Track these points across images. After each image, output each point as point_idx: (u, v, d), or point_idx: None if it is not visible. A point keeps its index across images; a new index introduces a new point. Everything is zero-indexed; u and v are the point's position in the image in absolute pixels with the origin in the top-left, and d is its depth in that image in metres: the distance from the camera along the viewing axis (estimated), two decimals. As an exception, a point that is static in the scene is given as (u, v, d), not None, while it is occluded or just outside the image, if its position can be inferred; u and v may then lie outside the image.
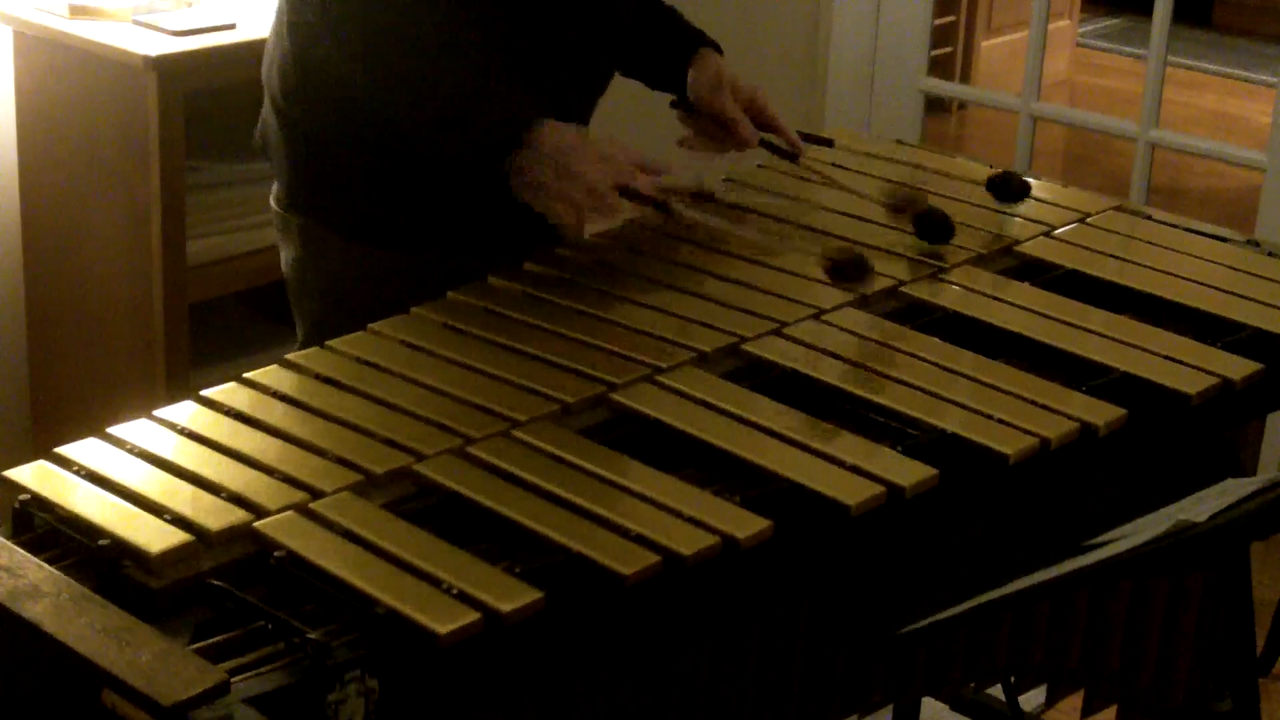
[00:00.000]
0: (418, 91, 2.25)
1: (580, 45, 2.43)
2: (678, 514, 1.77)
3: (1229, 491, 1.82)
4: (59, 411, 3.67)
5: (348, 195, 2.40)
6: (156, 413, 1.92)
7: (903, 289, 2.30)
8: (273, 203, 2.50)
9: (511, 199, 2.30)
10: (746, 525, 1.76)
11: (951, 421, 1.98)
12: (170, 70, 3.29)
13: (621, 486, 1.82)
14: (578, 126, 2.27)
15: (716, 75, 2.53)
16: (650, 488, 1.81)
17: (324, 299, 2.47)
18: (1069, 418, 2.01)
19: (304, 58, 2.36)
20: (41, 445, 2.73)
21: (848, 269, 2.28)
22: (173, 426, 1.90)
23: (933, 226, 2.41)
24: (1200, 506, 1.79)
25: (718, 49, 2.58)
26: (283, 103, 2.43)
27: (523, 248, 2.35)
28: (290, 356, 2.06)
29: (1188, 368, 2.14)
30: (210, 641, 1.58)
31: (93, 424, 1.91)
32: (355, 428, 1.90)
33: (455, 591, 1.61)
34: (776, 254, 2.35)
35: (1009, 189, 2.56)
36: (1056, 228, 2.52)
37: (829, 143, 2.66)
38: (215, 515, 1.72)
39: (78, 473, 1.80)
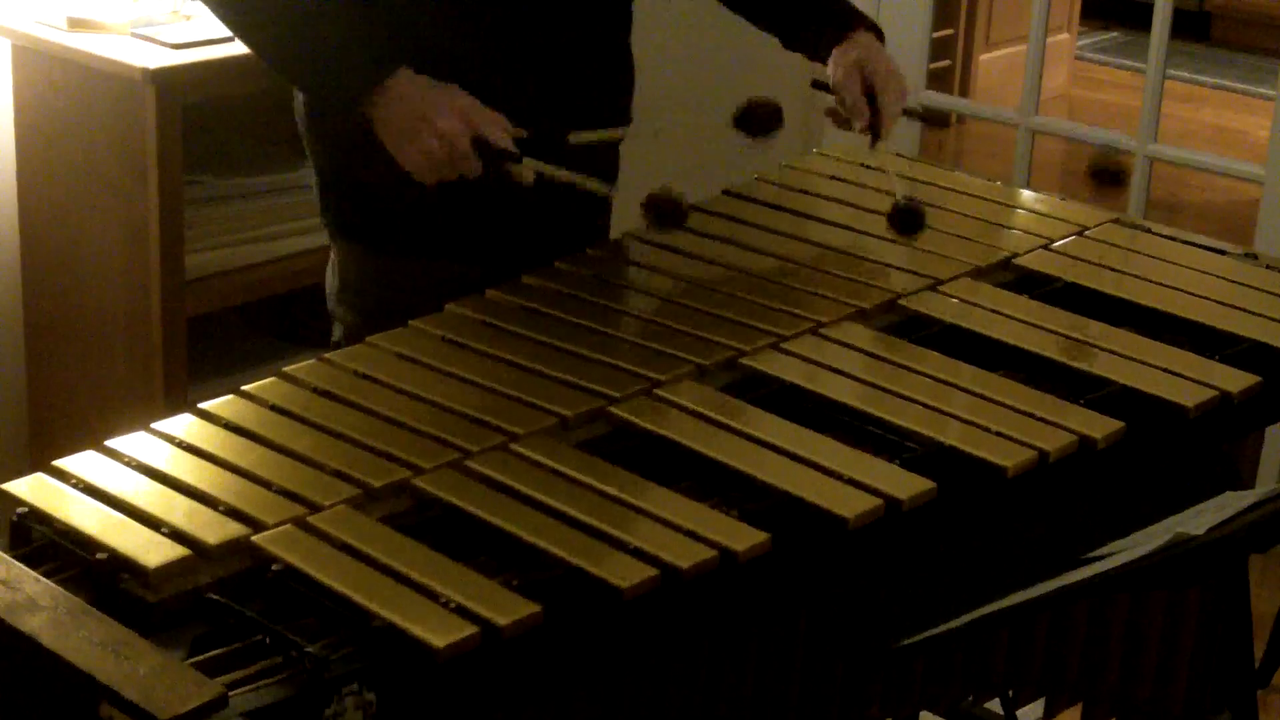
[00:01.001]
0: (280, 19, 2.28)
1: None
2: (676, 527, 1.77)
3: (1227, 504, 1.82)
4: (57, 424, 3.67)
5: (371, 210, 2.42)
6: (154, 425, 1.92)
7: (900, 302, 2.30)
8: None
9: (532, 204, 2.33)
10: (744, 538, 1.76)
11: (950, 434, 1.98)
12: (169, 83, 3.29)
13: (619, 500, 1.81)
14: (434, 80, 2.26)
15: (855, 60, 2.51)
16: (648, 501, 1.81)
17: (357, 308, 2.48)
18: (1067, 430, 2.01)
19: None
20: (39, 458, 2.73)
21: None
22: (170, 439, 1.90)
23: (907, 219, 2.42)
24: (1198, 519, 1.78)
25: (878, 32, 2.57)
26: (304, 130, 2.49)
27: (551, 252, 2.38)
28: (288, 369, 2.06)
29: (1186, 380, 2.14)
30: (208, 655, 1.57)
31: (90, 437, 1.91)
32: (353, 441, 1.90)
33: (453, 605, 1.61)
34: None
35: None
36: (1054, 241, 2.52)
37: (944, 123, 2.63)
38: (213, 529, 1.72)
39: (75, 485, 1.80)
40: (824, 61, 2.56)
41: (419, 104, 2.23)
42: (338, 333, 2.52)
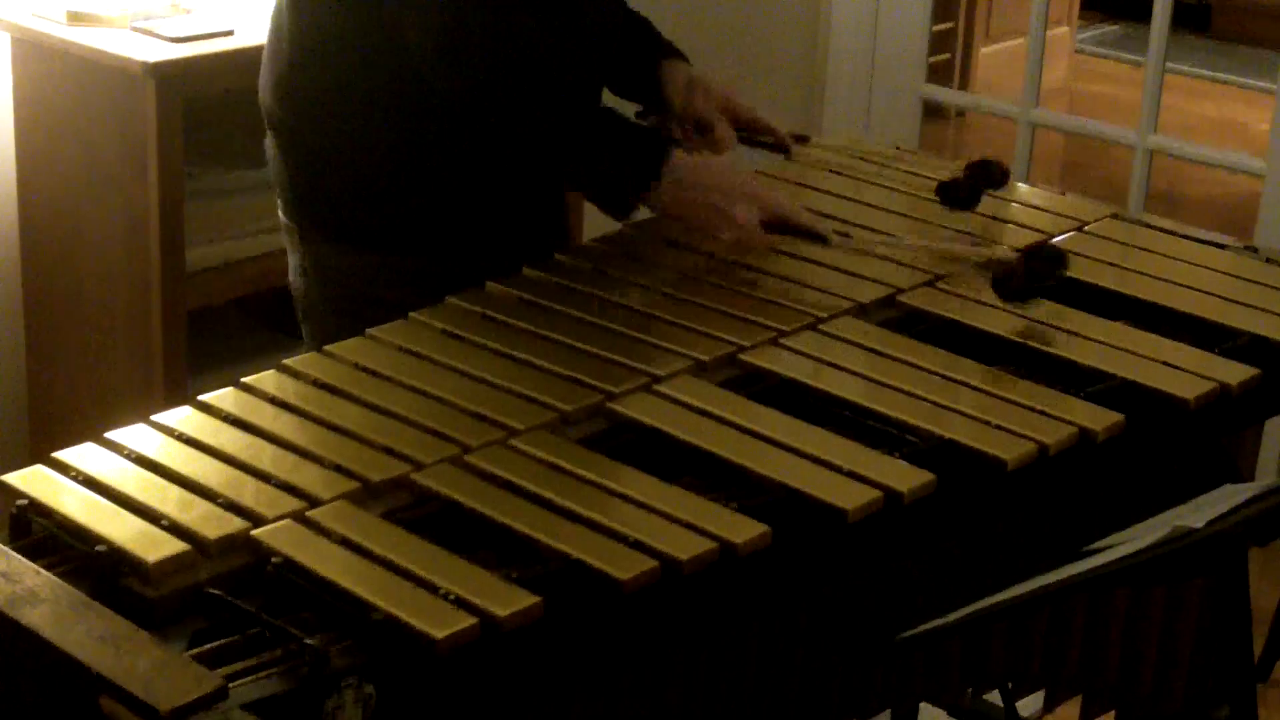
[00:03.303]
0: (550, 119, 2.28)
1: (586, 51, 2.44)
2: (675, 520, 1.77)
3: (1227, 497, 1.82)
4: (57, 416, 3.67)
5: (350, 203, 2.41)
6: (154, 418, 1.92)
7: (900, 297, 2.30)
8: (280, 213, 2.52)
9: (514, 202, 2.33)
10: (744, 531, 1.76)
11: (950, 428, 1.98)
12: (168, 77, 3.29)
13: (619, 494, 1.82)
14: (703, 160, 2.30)
15: (688, 80, 2.53)
16: (648, 494, 1.81)
17: (331, 306, 2.47)
18: (1067, 424, 2.01)
19: (300, 70, 2.38)
20: (39, 450, 2.73)
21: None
22: (170, 432, 1.90)
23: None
24: (1198, 512, 1.78)
25: (685, 59, 2.59)
26: (278, 116, 2.45)
27: (527, 250, 2.37)
28: (288, 362, 2.06)
29: (1186, 374, 2.14)
30: (208, 648, 1.58)
31: (90, 429, 1.91)
32: (353, 435, 1.90)
33: (452, 598, 1.61)
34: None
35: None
36: (1054, 235, 2.52)
37: (805, 139, 2.67)
38: (213, 524, 1.72)
39: (75, 478, 1.80)
40: (641, 98, 2.59)
41: (708, 191, 2.26)
42: (306, 335, 2.51)
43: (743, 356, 2.13)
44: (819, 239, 2.32)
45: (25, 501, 1.76)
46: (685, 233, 2.37)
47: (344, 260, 2.43)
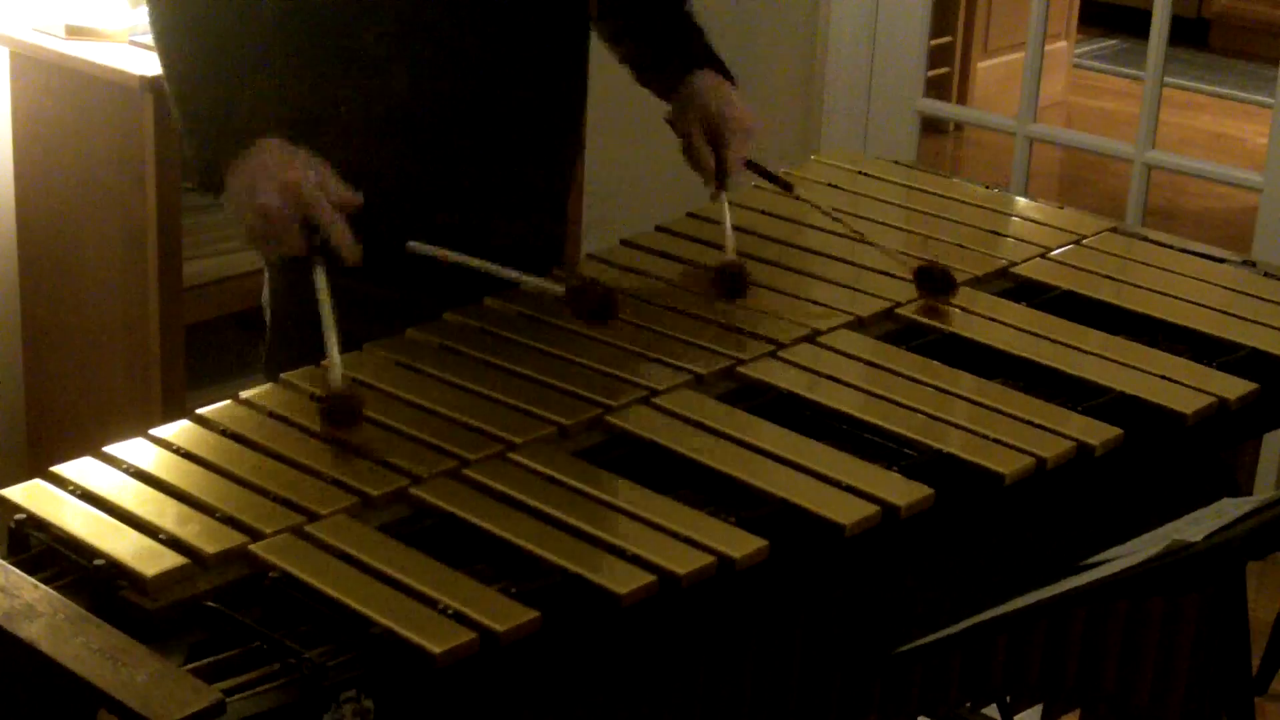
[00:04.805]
0: (182, 67, 2.24)
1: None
2: (673, 534, 1.77)
3: (1225, 511, 1.82)
4: (54, 430, 3.67)
5: None
6: (152, 432, 1.92)
7: (898, 310, 2.30)
8: None
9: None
10: (742, 545, 1.76)
11: (947, 442, 1.98)
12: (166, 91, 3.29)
13: (617, 507, 1.82)
14: (292, 149, 2.14)
15: (694, 105, 2.45)
16: (646, 508, 1.81)
17: (280, 323, 2.45)
18: (1065, 438, 2.01)
19: None
20: (37, 464, 2.73)
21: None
22: (168, 446, 1.90)
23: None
24: (1196, 526, 1.79)
25: (727, 75, 2.49)
26: None
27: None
28: (286, 375, 2.06)
29: (1183, 388, 2.14)
30: (206, 661, 1.58)
31: (88, 443, 1.91)
32: (351, 449, 1.90)
33: (451, 612, 1.61)
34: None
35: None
36: (1052, 249, 2.52)
37: (788, 186, 2.59)
38: (211, 538, 1.72)
39: (73, 492, 1.80)
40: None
41: (255, 177, 2.10)
42: (264, 351, 2.47)
43: (741, 370, 2.13)
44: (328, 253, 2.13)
45: (23, 516, 1.76)
46: (681, 247, 2.34)
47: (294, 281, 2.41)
